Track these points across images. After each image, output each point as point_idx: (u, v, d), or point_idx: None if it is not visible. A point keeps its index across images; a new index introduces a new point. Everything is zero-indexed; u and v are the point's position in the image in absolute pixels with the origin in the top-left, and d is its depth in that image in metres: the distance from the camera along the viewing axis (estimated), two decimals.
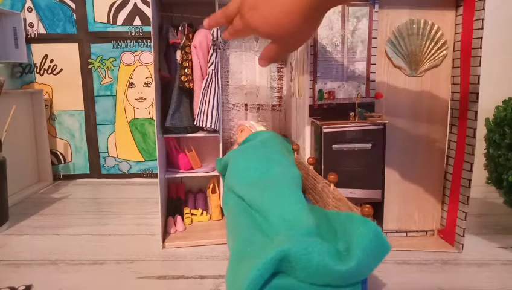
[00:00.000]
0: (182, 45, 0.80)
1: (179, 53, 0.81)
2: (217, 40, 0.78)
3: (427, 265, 0.65)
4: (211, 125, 0.78)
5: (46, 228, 0.84)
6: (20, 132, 1.10)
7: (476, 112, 0.65)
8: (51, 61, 1.18)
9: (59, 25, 1.17)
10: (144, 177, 1.25)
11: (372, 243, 0.38)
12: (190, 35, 0.81)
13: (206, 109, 0.78)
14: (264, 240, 0.45)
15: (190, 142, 0.91)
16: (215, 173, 0.84)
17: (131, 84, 1.20)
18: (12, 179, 0.90)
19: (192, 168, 0.87)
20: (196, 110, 0.81)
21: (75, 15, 1.16)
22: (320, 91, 0.72)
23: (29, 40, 1.16)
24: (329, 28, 0.71)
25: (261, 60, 0.47)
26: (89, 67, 1.19)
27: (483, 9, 0.63)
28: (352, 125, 0.67)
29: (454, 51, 0.71)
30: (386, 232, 0.75)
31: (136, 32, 1.17)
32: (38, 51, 1.18)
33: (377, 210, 0.70)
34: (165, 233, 0.78)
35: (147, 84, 1.20)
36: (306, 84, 0.72)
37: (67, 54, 1.18)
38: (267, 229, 0.47)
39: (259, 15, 0.38)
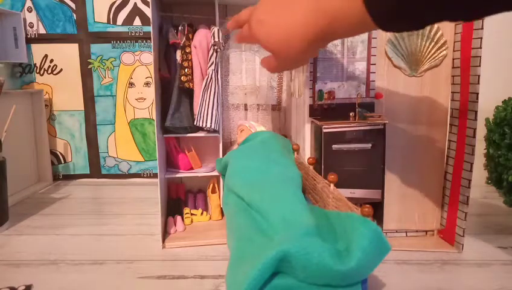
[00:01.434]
0: (181, 45, 0.80)
1: (178, 53, 0.81)
2: (218, 40, 0.78)
3: (427, 265, 0.65)
4: (210, 125, 0.78)
5: (46, 228, 0.84)
6: (20, 132, 1.10)
7: (476, 112, 0.65)
8: (51, 61, 1.18)
9: (59, 25, 1.17)
10: (143, 177, 1.25)
11: (372, 243, 0.38)
12: (190, 35, 0.81)
13: (206, 109, 0.78)
14: (264, 240, 0.45)
15: (190, 142, 0.91)
16: (215, 173, 0.84)
17: (131, 84, 1.20)
18: (13, 179, 0.90)
19: (192, 168, 0.87)
20: (196, 110, 0.81)
21: (75, 15, 1.16)
22: (320, 91, 0.72)
23: (29, 40, 1.16)
24: None
25: (261, 63, 0.48)
26: (89, 67, 1.19)
27: None
28: (352, 125, 0.67)
29: (454, 50, 0.71)
30: (386, 232, 0.75)
31: (136, 32, 1.17)
32: (38, 51, 1.18)
33: (377, 210, 0.70)
34: (165, 233, 0.78)
35: (147, 84, 1.20)
36: (306, 84, 0.72)
37: (67, 54, 1.18)
38: (267, 229, 0.47)
39: (264, 30, 0.39)
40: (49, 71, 1.19)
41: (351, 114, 0.69)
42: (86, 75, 1.19)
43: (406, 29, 0.31)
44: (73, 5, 1.16)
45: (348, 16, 0.32)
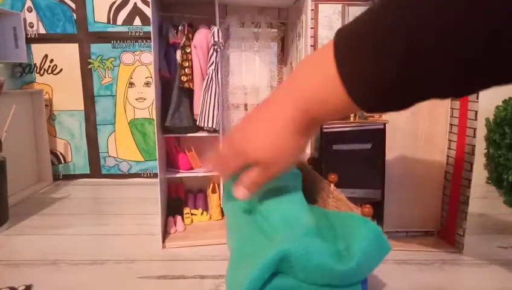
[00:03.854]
0: (182, 44, 0.80)
1: (179, 53, 0.81)
2: (218, 40, 0.78)
3: (427, 265, 0.65)
4: (212, 126, 0.78)
5: (46, 228, 0.84)
6: (20, 131, 1.10)
7: (476, 112, 0.65)
8: (51, 61, 1.18)
9: (59, 25, 1.17)
10: (144, 177, 1.25)
11: (372, 243, 0.38)
12: (190, 35, 0.81)
13: (207, 109, 0.78)
14: (264, 240, 0.45)
15: (190, 142, 0.91)
16: (215, 172, 0.84)
17: (131, 84, 1.20)
18: (13, 179, 0.90)
19: (192, 168, 0.87)
20: (197, 110, 0.81)
21: (75, 15, 1.16)
22: None
23: (29, 40, 1.16)
24: (329, 28, 0.71)
25: (243, 187, 0.43)
26: (89, 67, 1.19)
27: None
28: (353, 125, 0.67)
29: None
30: (386, 232, 0.75)
31: (136, 32, 1.17)
32: (38, 51, 1.18)
33: (376, 210, 0.69)
34: (165, 233, 0.78)
35: (147, 84, 1.20)
36: None
37: (67, 54, 1.18)
38: (267, 229, 0.47)
39: (251, 144, 0.40)
40: (49, 71, 1.19)
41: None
42: (86, 75, 1.19)
43: (391, 111, 0.31)
44: (73, 5, 1.16)
45: (331, 104, 0.32)
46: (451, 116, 0.72)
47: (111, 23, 1.17)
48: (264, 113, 0.39)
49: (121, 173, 1.24)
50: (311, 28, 0.72)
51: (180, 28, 0.81)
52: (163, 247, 0.73)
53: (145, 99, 1.21)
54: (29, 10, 1.16)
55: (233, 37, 0.89)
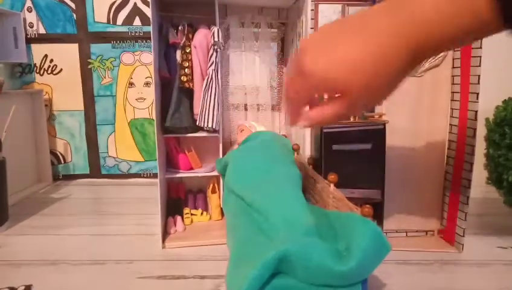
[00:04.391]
0: (181, 44, 0.80)
1: (178, 53, 0.81)
2: (218, 40, 0.78)
3: (427, 265, 0.65)
4: (212, 125, 0.78)
5: (46, 228, 0.84)
6: (20, 132, 1.10)
7: (476, 112, 0.65)
8: (51, 61, 1.18)
9: (59, 25, 1.17)
10: (143, 177, 1.24)
11: (372, 243, 0.38)
12: (190, 35, 0.81)
13: (207, 109, 0.78)
14: (264, 240, 0.45)
15: (190, 142, 0.91)
16: (215, 173, 0.84)
17: (131, 84, 1.20)
18: (12, 179, 0.90)
19: (192, 168, 0.87)
20: (197, 110, 0.81)
21: (74, 15, 1.16)
22: None
23: (29, 40, 1.16)
24: None
25: (310, 117, 0.32)
26: (89, 67, 1.19)
27: None
28: (353, 125, 0.67)
29: (454, 50, 0.70)
30: (386, 233, 0.75)
31: (136, 32, 1.17)
32: (38, 50, 1.17)
33: (377, 210, 0.69)
34: (165, 233, 0.78)
35: (147, 84, 1.20)
36: None
37: (67, 54, 1.18)
38: (267, 229, 0.47)
39: (331, 58, 0.29)
40: (49, 71, 1.19)
41: None
42: (86, 75, 1.19)
43: None
44: (73, 5, 1.16)
45: (461, 23, 0.25)
46: (451, 116, 0.72)
47: (111, 23, 1.17)
48: (364, 31, 0.29)
49: (121, 173, 1.24)
50: (311, 28, 0.72)
51: (180, 28, 0.81)
52: (163, 247, 0.73)
53: (145, 99, 1.21)
54: (29, 10, 1.15)
55: (233, 37, 0.89)
